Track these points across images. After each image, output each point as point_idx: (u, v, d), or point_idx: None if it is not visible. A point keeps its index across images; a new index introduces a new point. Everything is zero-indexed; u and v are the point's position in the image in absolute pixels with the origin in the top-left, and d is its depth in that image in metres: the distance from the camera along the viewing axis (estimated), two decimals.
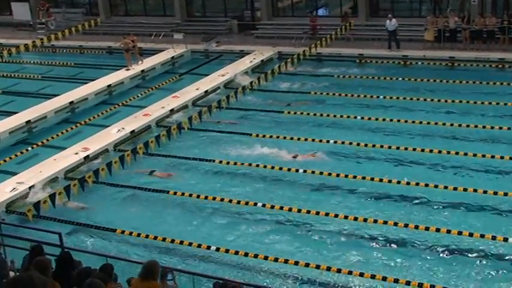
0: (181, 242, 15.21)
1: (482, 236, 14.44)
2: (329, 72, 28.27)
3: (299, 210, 16.20)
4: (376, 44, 30.80)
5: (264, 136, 21.44)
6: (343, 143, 20.36)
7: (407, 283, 12.96)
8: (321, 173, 18.24)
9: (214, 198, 17.35)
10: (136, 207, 17.57)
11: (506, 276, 13.34)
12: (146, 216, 16.94)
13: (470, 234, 14.52)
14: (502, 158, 18.38)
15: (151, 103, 25.16)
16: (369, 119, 22.26)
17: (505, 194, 16.27)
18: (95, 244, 15.49)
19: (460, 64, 28.02)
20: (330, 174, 18.13)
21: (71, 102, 26.33)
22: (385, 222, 15.34)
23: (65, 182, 18.91)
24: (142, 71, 30.39)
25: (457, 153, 18.88)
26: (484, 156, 18.53)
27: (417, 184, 17.13)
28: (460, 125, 21.01)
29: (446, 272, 13.49)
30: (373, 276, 13.24)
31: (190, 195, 17.60)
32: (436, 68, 28.12)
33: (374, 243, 14.79)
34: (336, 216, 15.78)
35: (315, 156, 19.52)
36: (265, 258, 14.20)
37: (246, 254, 14.48)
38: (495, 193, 16.37)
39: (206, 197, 17.39)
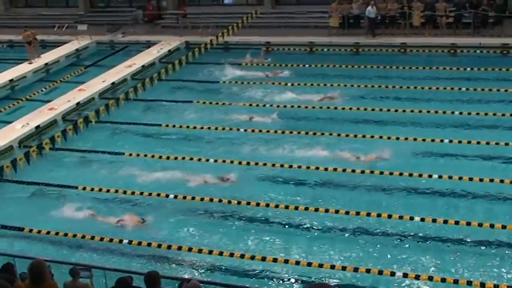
0: (93, 238, 14.96)
1: None
2: (236, 61, 28.33)
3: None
4: (282, 31, 31.14)
5: (167, 126, 21.47)
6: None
7: None
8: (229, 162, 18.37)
9: (119, 191, 17.15)
10: (42, 203, 17.14)
11: None
12: (54, 213, 16.45)
13: None
14: (406, 139, 18.94)
15: (56, 97, 24.55)
16: (278, 106, 22.46)
17: (420, 175, 16.70)
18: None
19: (364, 49, 28.67)
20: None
21: None
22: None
23: None
24: (46, 64, 29.58)
25: (363, 136, 19.33)
26: (389, 138, 19.07)
27: (317, 168, 17.45)
28: (365, 109, 21.52)
29: None
30: None
31: (100, 189, 17.32)
32: (342, 53, 28.67)
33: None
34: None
35: None
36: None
37: (159, 245, 14.42)
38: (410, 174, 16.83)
39: (116, 191, 17.14)
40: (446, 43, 27.82)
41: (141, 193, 16.93)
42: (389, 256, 13.74)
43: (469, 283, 12.46)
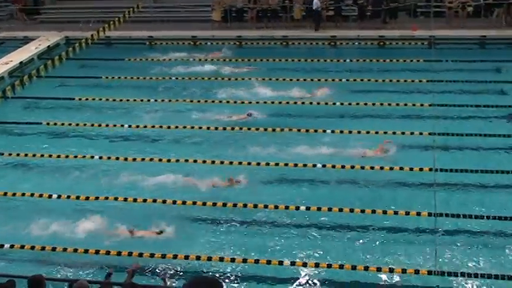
0: None
1: None
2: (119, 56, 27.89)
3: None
4: (165, 25, 30.96)
5: (48, 124, 20.88)
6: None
7: None
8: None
9: (13, 194, 16.54)
10: None
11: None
12: None
13: None
14: (290, 130, 19.33)
15: None
16: (162, 100, 22.38)
17: (305, 165, 17.11)
18: None
19: (247, 43, 28.95)
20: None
21: None
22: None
23: None
24: None
25: (248, 128, 19.55)
26: (274, 130, 19.38)
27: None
28: (250, 102, 21.74)
29: None
30: None
31: None
32: (225, 47, 28.78)
33: None
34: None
35: None
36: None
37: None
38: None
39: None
40: (327, 36, 28.53)
41: (23, 194, 16.32)
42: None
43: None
